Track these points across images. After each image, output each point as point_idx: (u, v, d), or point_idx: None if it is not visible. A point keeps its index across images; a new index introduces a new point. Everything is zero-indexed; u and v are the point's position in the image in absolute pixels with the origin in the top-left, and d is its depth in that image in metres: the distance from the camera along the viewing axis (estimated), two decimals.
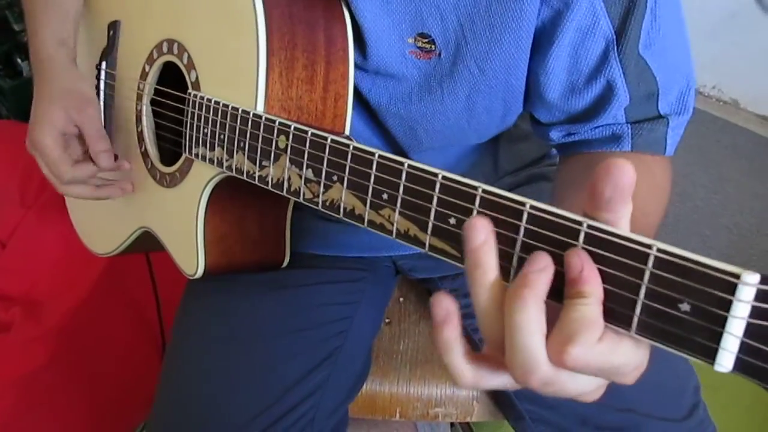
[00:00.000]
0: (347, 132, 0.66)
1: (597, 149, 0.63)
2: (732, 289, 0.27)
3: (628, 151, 0.62)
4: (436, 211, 0.40)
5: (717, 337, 0.28)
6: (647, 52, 0.58)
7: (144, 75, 0.75)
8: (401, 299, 0.91)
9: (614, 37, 0.57)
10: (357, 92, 0.66)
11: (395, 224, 0.44)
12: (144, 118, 0.76)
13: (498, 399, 0.80)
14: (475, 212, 0.38)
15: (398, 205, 0.43)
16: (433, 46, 0.62)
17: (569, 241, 0.33)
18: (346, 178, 0.47)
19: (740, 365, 0.28)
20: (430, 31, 0.61)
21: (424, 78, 0.65)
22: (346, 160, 0.47)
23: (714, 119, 2.15)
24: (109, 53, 0.82)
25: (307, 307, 0.76)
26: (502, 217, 0.36)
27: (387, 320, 0.89)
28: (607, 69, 0.58)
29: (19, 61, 1.49)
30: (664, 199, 0.61)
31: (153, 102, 0.76)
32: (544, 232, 0.34)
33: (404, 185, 0.43)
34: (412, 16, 0.61)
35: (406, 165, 0.43)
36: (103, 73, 0.83)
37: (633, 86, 0.59)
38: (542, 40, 0.59)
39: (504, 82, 0.63)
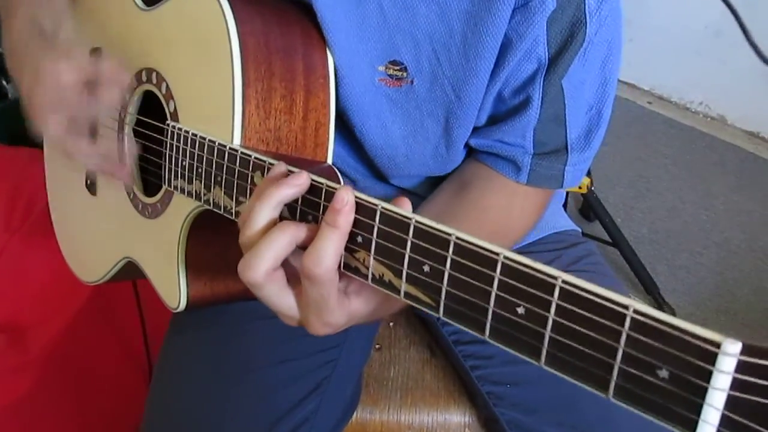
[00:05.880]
0: (329, 161, 0.65)
1: (500, 170, 0.67)
2: (712, 358, 0.26)
3: (523, 182, 0.67)
4: (409, 257, 0.39)
5: (697, 408, 0.26)
6: (567, 83, 0.62)
7: (125, 104, 0.74)
8: (391, 324, 0.90)
9: (546, 63, 0.61)
10: (337, 118, 0.66)
11: (370, 269, 0.42)
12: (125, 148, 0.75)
13: (490, 427, 0.79)
14: (449, 260, 0.37)
15: (372, 249, 0.42)
16: (404, 74, 0.63)
17: (543, 295, 0.32)
18: (320, 217, 0.46)
19: None
20: (403, 58, 0.62)
21: (395, 105, 0.65)
22: (321, 199, 0.46)
23: (702, 135, 2.17)
24: None
25: (296, 336, 0.74)
26: (476, 267, 0.35)
27: (377, 346, 0.87)
28: (531, 88, 0.63)
29: (4, 83, 1.47)
30: (513, 232, 0.69)
31: (136, 132, 0.75)
32: (518, 284, 0.33)
33: (378, 228, 0.41)
34: (384, 43, 0.62)
35: (380, 206, 0.41)
36: None
37: (545, 108, 0.63)
38: (495, 64, 0.62)
39: (475, 106, 0.65)
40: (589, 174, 1.59)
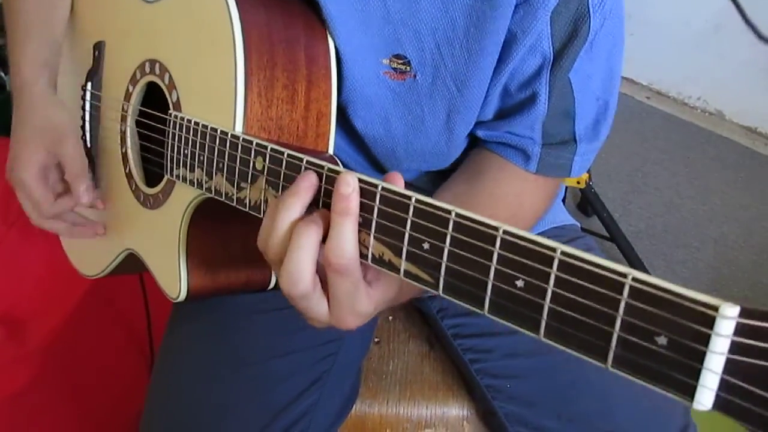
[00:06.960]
0: (331, 151, 0.65)
1: (509, 159, 0.68)
2: (710, 322, 0.26)
3: (532, 171, 0.67)
4: (409, 235, 0.39)
5: (695, 373, 0.26)
6: (574, 77, 0.62)
7: (128, 96, 0.75)
8: (390, 318, 0.90)
9: (551, 58, 0.61)
10: (338, 110, 0.66)
11: (370, 248, 0.42)
12: (128, 140, 0.75)
13: (489, 420, 0.79)
14: (448, 237, 0.37)
15: (373, 229, 0.42)
16: (408, 68, 0.63)
17: (542, 267, 0.32)
18: (321, 201, 0.46)
19: (720, 403, 0.26)
20: (406, 52, 0.62)
21: (398, 99, 0.65)
22: (321, 182, 0.46)
23: (699, 130, 2.18)
24: (94, 74, 0.81)
25: (296, 329, 0.75)
26: (476, 243, 0.35)
27: (376, 340, 0.87)
28: (537, 83, 0.63)
29: (2, 74, 1.46)
30: (525, 220, 0.70)
31: (138, 123, 0.75)
32: (517, 258, 0.33)
33: (378, 208, 0.42)
34: (388, 37, 0.62)
35: (380, 187, 0.42)
36: (88, 94, 0.82)
37: (553, 102, 0.63)
38: (499, 59, 0.62)
39: (478, 101, 0.65)
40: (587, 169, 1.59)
